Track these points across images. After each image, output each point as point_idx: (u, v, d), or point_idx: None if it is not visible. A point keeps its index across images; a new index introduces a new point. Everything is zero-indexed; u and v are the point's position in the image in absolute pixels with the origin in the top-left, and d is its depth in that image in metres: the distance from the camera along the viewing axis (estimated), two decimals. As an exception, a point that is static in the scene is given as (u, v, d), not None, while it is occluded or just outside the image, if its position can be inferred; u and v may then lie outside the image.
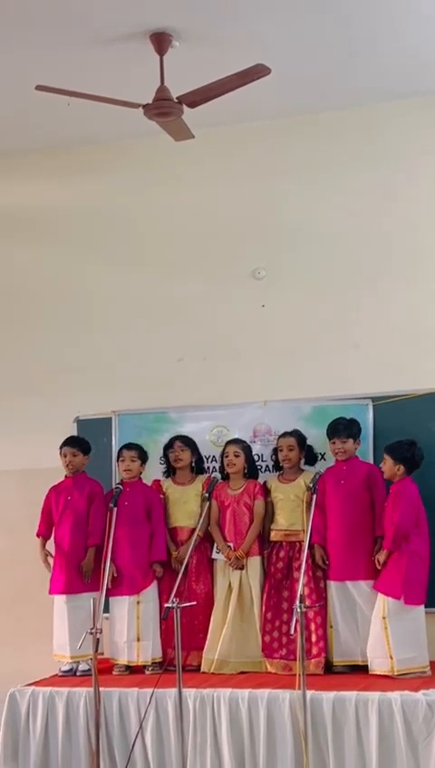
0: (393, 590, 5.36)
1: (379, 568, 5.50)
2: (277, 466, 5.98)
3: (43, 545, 6.06)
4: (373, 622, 5.41)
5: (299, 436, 5.91)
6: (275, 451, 5.96)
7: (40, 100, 5.34)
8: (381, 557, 5.48)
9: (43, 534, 6.08)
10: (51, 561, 6.00)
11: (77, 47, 5.44)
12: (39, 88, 5.16)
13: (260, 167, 6.52)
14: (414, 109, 6.25)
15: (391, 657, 5.31)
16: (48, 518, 6.10)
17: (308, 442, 5.95)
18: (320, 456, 6.01)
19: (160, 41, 5.31)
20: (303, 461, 5.92)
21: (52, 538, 6.07)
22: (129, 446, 6.12)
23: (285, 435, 5.94)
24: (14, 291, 6.95)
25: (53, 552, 6.01)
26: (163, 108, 5.26)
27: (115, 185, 6.78)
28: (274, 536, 5.82)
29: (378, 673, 5.34)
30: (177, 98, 5.23)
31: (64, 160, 6.84)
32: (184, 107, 5.26)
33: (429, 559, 5.47)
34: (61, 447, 6.13)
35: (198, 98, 5.21)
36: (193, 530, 5.82)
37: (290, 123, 6.44)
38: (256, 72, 5.06)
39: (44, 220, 6.92)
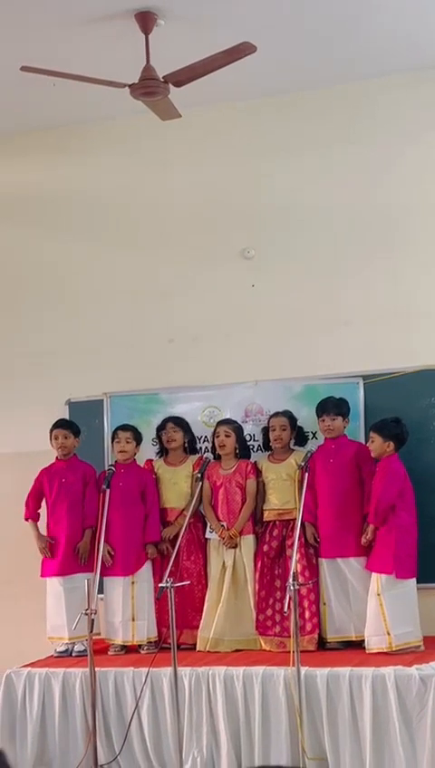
0: (385, 566, 5.38)
1: (364, 545, 5.51)
2: (267, 446, 5.99)
3: (38, 530, 6.03)
4: (369, 601, 5.42)
5: (290, 417, 5.93)
6: (266, 431, 5.97)
7: (25, 80, 5.30)
8: (368, 534, 5.50)
9: (32, 517, 6.06)
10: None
11: (62, 27, 5.41)
12: (24, 69, 5.13)
13: (248, 146, 6.49)
14: (400, 86, 6.22)
15: (389, 633, 5.32)
16: (36, 500, 6.08)
17: (299, 421, 5.96)
18: (311, 435, 6.02)
19: (145, 20, 5.28)
20: (293, 441, 5.94)
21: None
22: (124, 428, 6.12)
23: (277, 414, 5.94)
24: (3, 273, 6.92)
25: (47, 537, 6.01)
26: (149, 87, 5.23)
27: (102, 165, 6.75)
28: (267, 516, 5.84)
29: (375, 651, 5.34)
30: (163, 77, 5.21)
31: (50, 141, 6.80)
32: (170, 86, 5.23)
33: (416, 533, 5.49)
34: (51, 430, 6.12)
35: (184, 77, 5.18)
36: (183, 510, 5.86)
37: (277, 102, 6.42)
38: (243, 50, 5.03)
39: (32, 202, 6.88)
